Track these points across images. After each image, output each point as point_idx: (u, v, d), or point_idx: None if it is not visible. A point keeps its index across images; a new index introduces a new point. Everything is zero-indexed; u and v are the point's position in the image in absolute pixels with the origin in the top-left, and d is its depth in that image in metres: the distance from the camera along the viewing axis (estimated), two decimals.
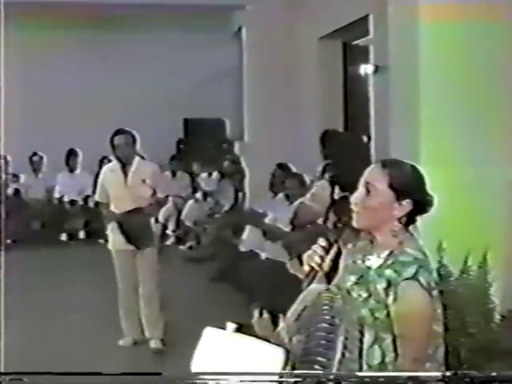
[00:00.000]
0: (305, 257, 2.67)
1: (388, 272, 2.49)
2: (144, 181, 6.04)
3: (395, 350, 2.46)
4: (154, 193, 6.07)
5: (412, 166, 2.66)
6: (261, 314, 2.62)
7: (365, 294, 2.50)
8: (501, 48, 4.64)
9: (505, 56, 4.65)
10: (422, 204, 2.59)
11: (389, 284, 2.47)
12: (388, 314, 2.46)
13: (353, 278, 2.58)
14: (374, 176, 2.59)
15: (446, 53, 4.62)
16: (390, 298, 2.46)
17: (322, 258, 2.61)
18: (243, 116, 10.54)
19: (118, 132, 6.15)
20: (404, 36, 4.89)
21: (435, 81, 4.63)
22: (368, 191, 2.57)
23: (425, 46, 4.65)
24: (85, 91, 12.16)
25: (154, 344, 6.08)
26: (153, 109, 12.03)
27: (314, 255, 2.62)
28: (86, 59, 12.33)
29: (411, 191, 2.57)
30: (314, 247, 2.65)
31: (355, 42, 8.28)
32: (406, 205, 2.56)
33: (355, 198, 2.60)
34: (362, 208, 2.57)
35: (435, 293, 2.49)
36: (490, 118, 4.65)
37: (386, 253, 2.53)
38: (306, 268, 2.63)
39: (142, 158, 6.30)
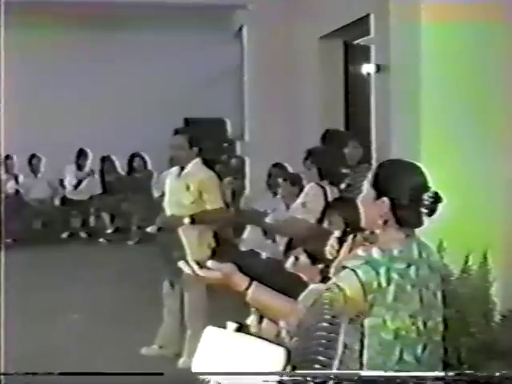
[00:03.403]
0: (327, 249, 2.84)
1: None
2: (188, 187, 5.58)
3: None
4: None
5: (403, 164, 2.66)
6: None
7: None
8: (502, 48, 4.64)
9: (505, 56, 4.66)
10: (402, 202, 2.56)
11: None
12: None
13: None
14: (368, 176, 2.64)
15: (447, 52, 4.62)
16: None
17: (338, 250, 2.73)
18: (244, 115, 10.53)
19: (175, 132, 5.83)
20: (405, 35, 4.88)
21: (436, 80, 4.63)
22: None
23: (426, 46, 4.64)
24: (85, 91, 12.16)
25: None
26: (153, 108, 12.01)
27: (331, 248, 2.75)
28: (86, 59, 12.32)
29: (388, 189, 2.57)
30: (331, 240, 2.78)
31: (356, 42, 8.27)
32: (384, 203, 2.56)
33: (359, 198, 2.65)
34: (360, 207, 2.63)
35: (375, 295, 2.46)
36: (490, 117, 4.65)
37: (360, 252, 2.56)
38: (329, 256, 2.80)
39: (205, 162, 5.69)
